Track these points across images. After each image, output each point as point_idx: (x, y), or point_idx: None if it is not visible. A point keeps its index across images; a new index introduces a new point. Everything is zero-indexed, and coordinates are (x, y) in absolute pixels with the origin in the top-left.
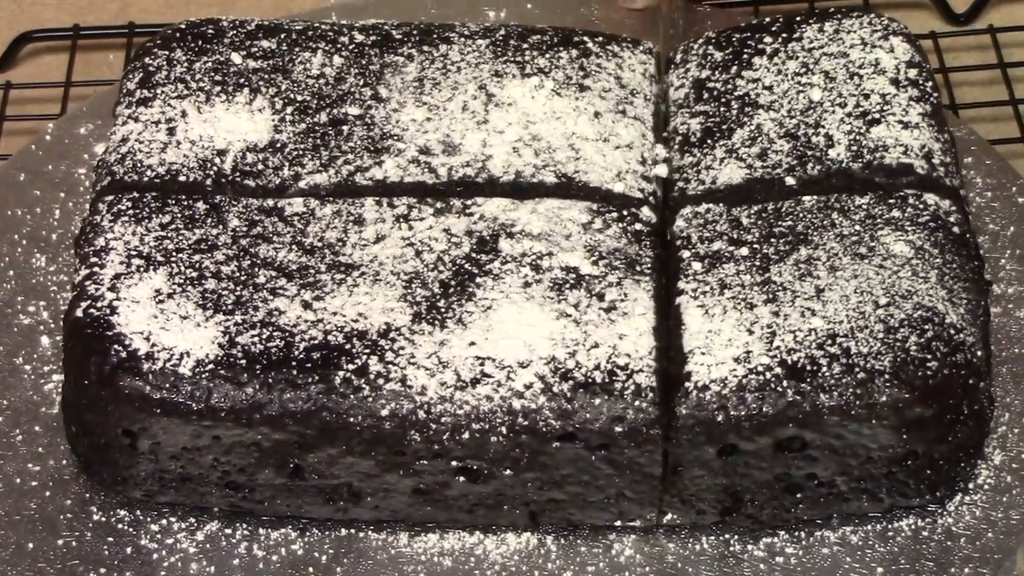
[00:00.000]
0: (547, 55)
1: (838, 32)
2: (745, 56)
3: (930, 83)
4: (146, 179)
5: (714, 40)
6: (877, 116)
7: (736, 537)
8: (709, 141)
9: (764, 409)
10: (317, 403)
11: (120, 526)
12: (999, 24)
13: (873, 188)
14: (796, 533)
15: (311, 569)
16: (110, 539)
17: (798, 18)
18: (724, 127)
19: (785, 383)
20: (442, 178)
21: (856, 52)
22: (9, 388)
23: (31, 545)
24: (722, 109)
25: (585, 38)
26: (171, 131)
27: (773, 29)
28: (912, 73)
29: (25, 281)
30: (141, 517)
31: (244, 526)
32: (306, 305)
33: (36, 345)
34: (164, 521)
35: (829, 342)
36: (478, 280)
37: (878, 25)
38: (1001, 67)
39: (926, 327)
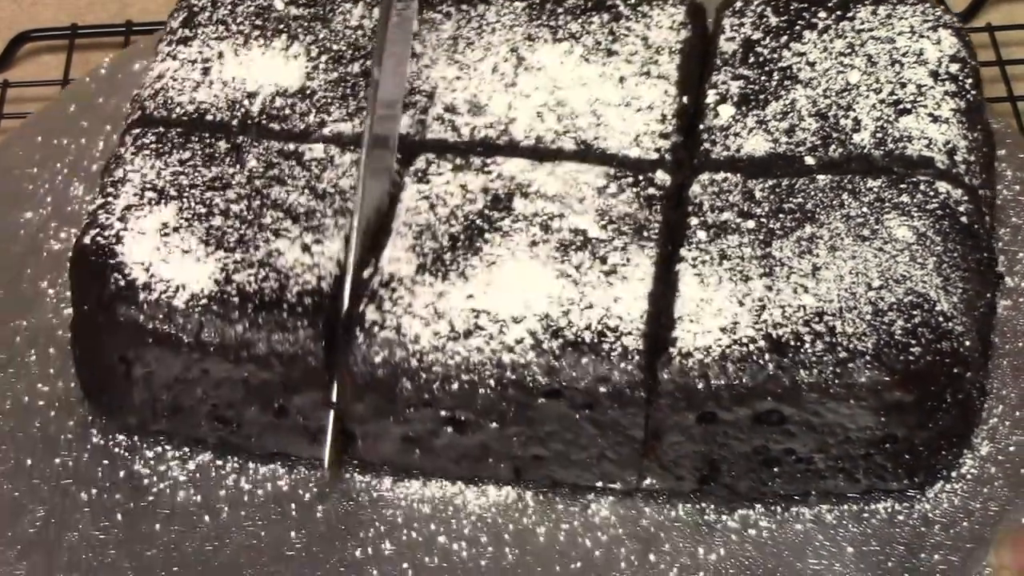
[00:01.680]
0: (579, 20)
1: (890, 17)
2: (798, 27)
3: (970, 80)
4: (174, 116)
5: (773, 3)
6: (908, 106)
7: (712, 507)
8: (743, 108)
9: (744, 380)
10: (304, 347)
11: (116, 450)
12: (996, 23)
13: (889, 176)
14: (772, 507)
15: (293, 505)
16: (105, 462)
17: None
18: (761, 97)
19: (767, 356)
20: (464, 137)
21: (903, 40)
22: (31, 310)
23: (29, 462)
24: (763, 78)
25: (618, 1)
26: (206, 71)
27: (829, 5)
28: (954, 68)
29: (60, 208)
30: (137, 443)
31: (235, 459)
32: (305, 248)
33: (63, 270)
34: (159, 448)
35: (816, 319)
36: (487, 236)
37: (930, 15)
38: (1000, 64)
39: (914, 312)
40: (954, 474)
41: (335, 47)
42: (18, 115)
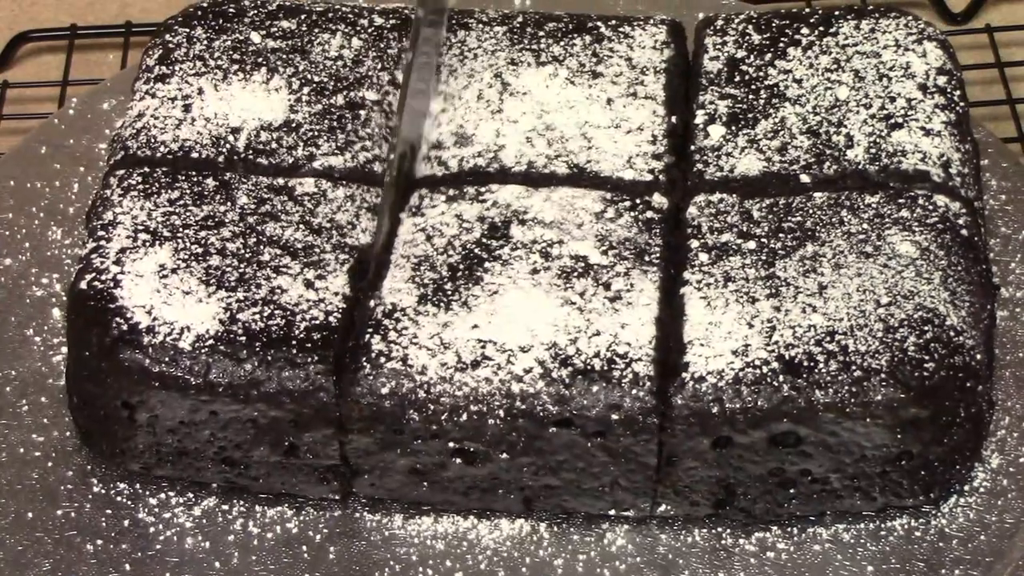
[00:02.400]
0: (562, 43)
1: (874, 31)
2: (781, 44)
3: (958, 92)
4: (159, 155)
5: (755, 21)
6: (900, 120)
7: (728, 531)
8: (733, 128)
9: (759, 403)
10: (315, 383)
11: (119, 499)
12: (996, 23)
13: (886, 192)
14: (788, 529)
15: (305, 548)
16: (108, 511)
17: (837, 12)
18: (750, 116)
19: (781, 378)
20: (452, 169)
21: (888, 53)
22: (19, 359)
23: (30, 515)
24: (750, 97)
25: (599, 23)
26: (187, 108)
27: (811, 21)
28: (941, 80)
29: (40, 253)
30: (140, 491)
31: (241, 503)
32: (308, 284)
33: (47, 317)
34: (162, 495)
35: (828, 339)
36: (487, 265)
37: (914, 28)
38: (999, 66)
39: (926, 328)
40: (967, 488)
41: (316, 79)
42: (18, 116)
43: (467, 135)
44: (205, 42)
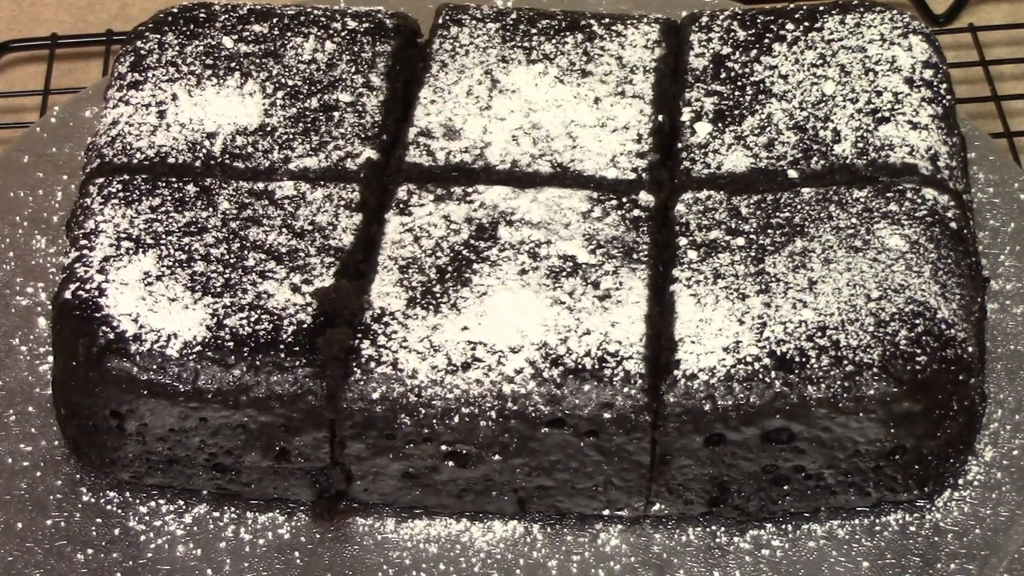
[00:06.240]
0: (554, 40)
1: (859, 26)
2: (766, 40)
3: (944, 85)
4: (135, 162)
5: (739, 17)
6: (887, 114)
7: (723, 529)
8: (720, 124)
9: (751, 400)
10: (303, 386)
11: (109, 507)
12: (978, 23)
13: (875, 186)
14: (783, 526)
15: (297, 553)
16: (99, 520)
17: (821, 7)
18: (736, 112)
19: (773, 374)
20: (439, 162)
21: (874, 48)
22: (4, 369)
23: (20, 525)
24: (736, 93)
25: (592, 21)
26: (161, 114)
27: (796, 16)
28: (928, 74)
29: (25, 262)
30: (130, 499)
31: (232, 509)
32: (295, 288)
33: (33, 326)
34: (152, 503)
35: (819, 334)
36: (475, 267)
37: (899, 22)
38: (983, 64)
39: (917, 321)
40: (961, 481)
41: (290, 83)
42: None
43: (455, 129)
44: (177, 48)
